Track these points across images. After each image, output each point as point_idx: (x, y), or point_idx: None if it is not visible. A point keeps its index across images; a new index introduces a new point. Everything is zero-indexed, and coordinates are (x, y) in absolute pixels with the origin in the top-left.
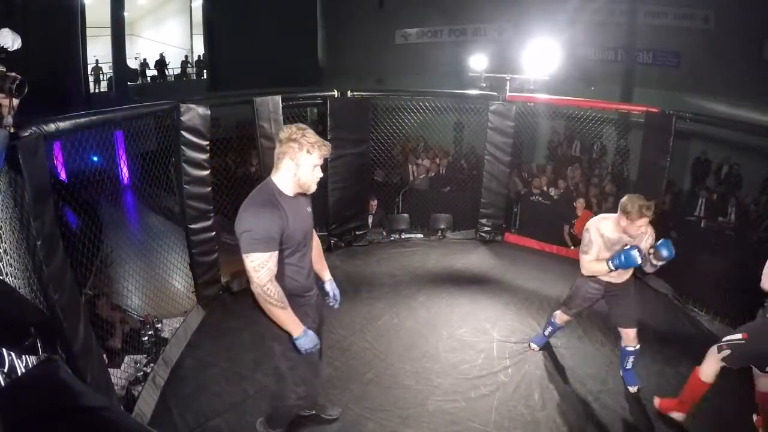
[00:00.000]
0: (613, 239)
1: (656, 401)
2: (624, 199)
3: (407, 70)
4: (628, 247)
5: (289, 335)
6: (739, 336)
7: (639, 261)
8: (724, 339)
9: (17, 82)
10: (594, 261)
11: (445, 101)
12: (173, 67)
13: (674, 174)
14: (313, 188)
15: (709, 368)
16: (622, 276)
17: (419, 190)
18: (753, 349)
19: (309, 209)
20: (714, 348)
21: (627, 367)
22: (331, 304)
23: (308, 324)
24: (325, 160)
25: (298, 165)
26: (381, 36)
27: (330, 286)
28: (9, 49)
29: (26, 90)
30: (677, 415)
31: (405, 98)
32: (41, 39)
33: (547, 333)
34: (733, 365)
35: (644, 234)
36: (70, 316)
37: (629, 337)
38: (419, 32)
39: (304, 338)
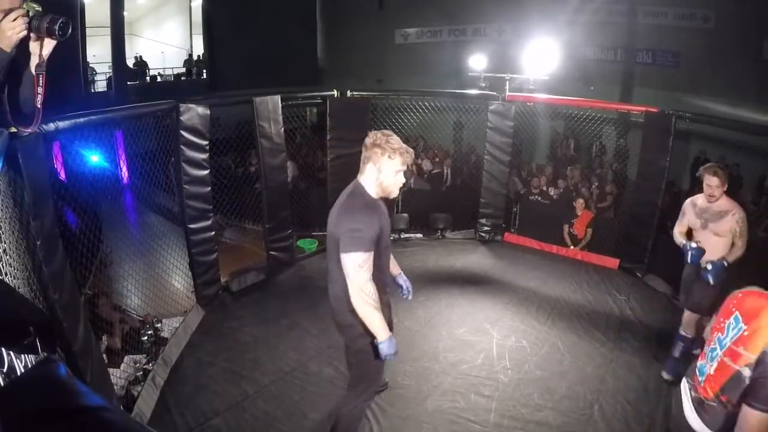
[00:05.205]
0: (702, 207)
1: None
2: None
3: (407, 70)
4: (694, 246)
5: (372, 339)
6: None
7: (689, 258)
8: None
9: (60, 22)
10: (679, 232)
11: (444, 101)
12: (172, 67)
13: (674, 174)
14: (395, 193)
15: None
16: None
17: (419, 189)
18: None
19: (386, 209)
20: None
21: (674, 355)
22: (404, 295)
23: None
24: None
25: (380, 170)
26: (381, 36)
27: (402, 279)
28: None
29: (69, 32)
30: None
31: (405, 98)
32: None
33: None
34: None
35: (725, 212)
36: (70, 316)
37: (683, 320)
38: (419, 32)
39: (388, 343)
